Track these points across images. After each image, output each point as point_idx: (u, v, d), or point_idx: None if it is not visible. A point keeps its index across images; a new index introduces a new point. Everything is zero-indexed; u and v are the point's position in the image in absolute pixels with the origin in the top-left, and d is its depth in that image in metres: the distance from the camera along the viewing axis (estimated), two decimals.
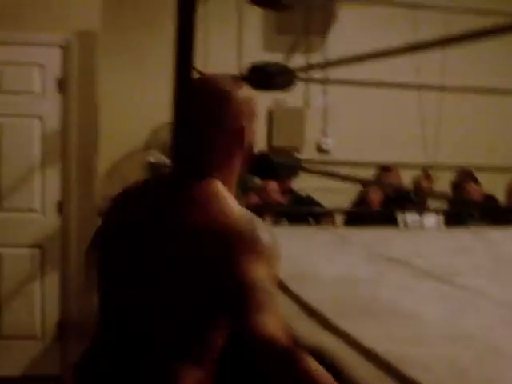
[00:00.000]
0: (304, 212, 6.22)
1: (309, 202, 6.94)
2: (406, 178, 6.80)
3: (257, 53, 7.30)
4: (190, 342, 1.75)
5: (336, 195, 6.50)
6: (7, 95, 5.09)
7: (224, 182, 1.86)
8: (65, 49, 5.10)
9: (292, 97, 6.97)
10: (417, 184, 6.69)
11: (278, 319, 1.60)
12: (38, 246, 5.09)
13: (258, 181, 6.69)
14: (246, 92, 1.97)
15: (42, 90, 5.13)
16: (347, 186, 5.88)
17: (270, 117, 7.66)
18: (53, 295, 5.06)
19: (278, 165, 3.33)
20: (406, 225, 6.23)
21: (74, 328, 4.83)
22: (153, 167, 7.21)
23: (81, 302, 4.92)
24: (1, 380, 4.84)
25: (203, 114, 1.87)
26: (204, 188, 1.81)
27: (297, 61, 7.01)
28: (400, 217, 6.31)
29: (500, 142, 7.74)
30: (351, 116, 7.59)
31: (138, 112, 7.14)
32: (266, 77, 3.27)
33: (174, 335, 1.75)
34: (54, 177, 5.09)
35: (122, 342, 1.84)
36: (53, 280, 5.06)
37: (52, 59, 5.10)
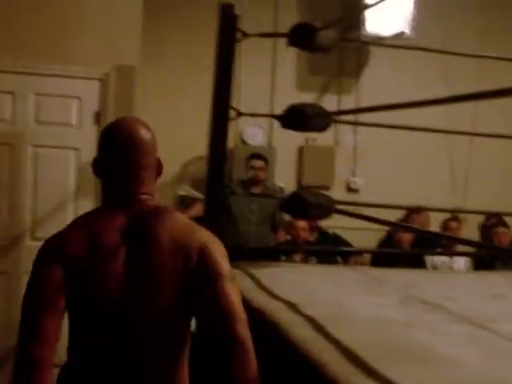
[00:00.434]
0: (333, 251, 6.25)
1: (336, 240, 6.97)
2: (435, 220, 6.82)
3: (289, 92, 7.39)
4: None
5: (363, 233, 6.53)
6: (44, 126, 5.17)
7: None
8: (103, 82, 5.18)
9: (322, 135, 7.01)
10: (445, 226, 6.70)
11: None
12: None
13: (286, 216, 6.73)
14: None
15: (79, 122, 5.21)
16: (375, 225, 5.92)
17: (301, 155, 7.71)
18: None
19: (310, 204, 3.36)
20: (434, 266, 6.23)
21: None
22: (183, 200, 7.28)
23: None
24: None
25: (152, 155, 2.41)
26: (161, 207, 2.37)
27: (329, 101, 7.13)
28: (428, 258, 6.31)
29: None
30: (381, 156, 7.64)
31: (170, 145, 7.21)
32: (303, 118, 3.32)
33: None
34: (87, 207, 5.07)
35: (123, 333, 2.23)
36: None
37: (90, 92, 5.18)
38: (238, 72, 6.41)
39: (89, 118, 5.19)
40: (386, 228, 6.88)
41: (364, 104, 7.29)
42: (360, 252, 6.78)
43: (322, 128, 3.45)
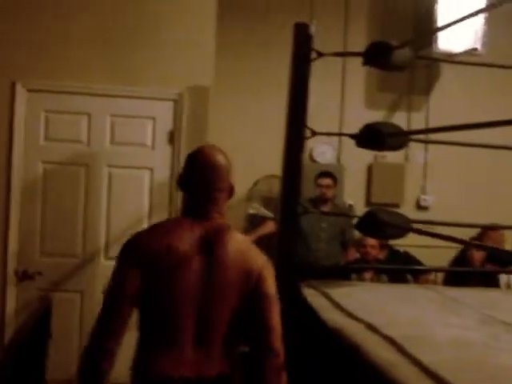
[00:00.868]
0: (405, 270, 6.21)
1: (406, 258, 6.94)
2: (510, 238, 6.73)
3: (358, 110, 7.40)
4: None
5: (433, 251, 6.48)
6: (119, 146, 5.27)
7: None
8: (176, 102, 5.26)
9: (392, 152, 7.01)
10: None
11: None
12: None
13: (356, 234, 6.73)
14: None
15: (153, 142, 5.29)
16: (445, 243, 5.86)
17: (370, 172, 7.69)
18: None
19: (386, 224, 3.36)
20: (508, 285, 6.16)
21: None
22: (252, 219, 7.31)
23: None
24: None
25: (227, 181, 2.91)
26: (228, 226, 2.84)
27: (398, 118, 7.12)
28: (503, 277, 6.24)
29: None
30: (452, 173, 7.59)
31: (240, 164, 7.26)
32: (379, 137, 3.32)
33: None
34: None
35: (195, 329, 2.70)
36: None
37: (164, 112, 5.26)
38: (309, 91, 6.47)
39: (163, 138, 5.26)
40: (457, 246, 6.83)
41: (434, 121, 7.26)
42: (431, 270, 6.73)
43: (397, 147, 3.45)
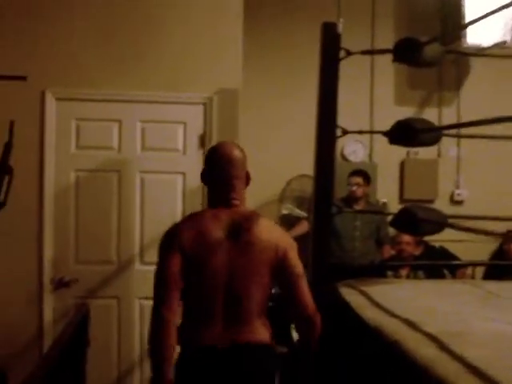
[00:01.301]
0: (441, 265, 6.16)
1: (443, 253, 6.88)
2: None
3: (388, 107, 7.37)
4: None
5: (469, 246, 6.42)
6: (151, 152, 5.27)
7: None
8: (206, 106, 5.25)
9: (424, 148, 6.96)
10: None
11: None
12: None
13: (391, 231, 6.69)
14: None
15: (184, 147, 5.29)
16: (482, 237, 5.81)
17: (402, 169, 7.65)
18: None
19: (421, 220, 3.33)
20: None
21: None
22: (286, 219, 7.30)
23: None
24: None
25: (243, 170, 3.30)
26: (254, 212, 3.30)
27: (429, 115, 7.06)
28: None
29: None
30: (485, 166, 7.54)
31: (272, 164, 7.27)
32: (412, 133, 3.29)
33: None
34: None
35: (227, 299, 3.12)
36: None
37: (194, 117, 5.26)
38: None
39: (194, 142, 5.26)
40: (494, 240, 6.77)
41: (465, 116, 7.20)
42: (467, 265, 6.66)
43: (430, 143, 3.42)
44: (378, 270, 5.53)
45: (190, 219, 3.27)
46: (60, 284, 5.18)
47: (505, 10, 5.92)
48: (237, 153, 3.29)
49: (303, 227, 6.61)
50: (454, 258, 6.59)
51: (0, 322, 5.06)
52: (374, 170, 7.40)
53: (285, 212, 7.35)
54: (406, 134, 3.33)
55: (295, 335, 4.96)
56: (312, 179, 3.79)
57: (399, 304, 3.05)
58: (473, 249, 6.43)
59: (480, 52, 6.82)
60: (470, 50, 6.84)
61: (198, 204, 5.15)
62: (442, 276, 6.09)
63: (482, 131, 3.93)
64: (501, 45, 6.79)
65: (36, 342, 5.11)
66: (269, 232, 3.18)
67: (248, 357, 3.14)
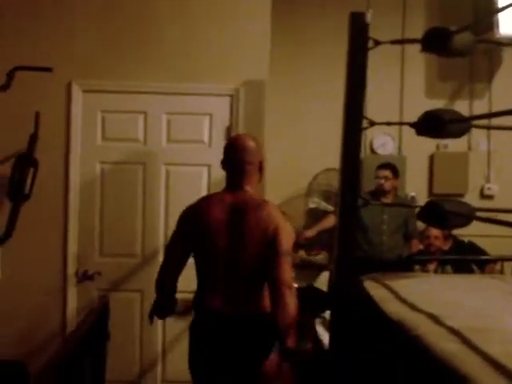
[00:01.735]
0: (468, 259, 6.07)
1: (471, 248, 6.79)
2: None
3: (418, 99, 7.29)
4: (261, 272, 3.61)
5: (499, 241, 6.33)
6: (176, 144, 5.25)
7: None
8: (232, 98, 5.21)
9: (454, 141, 6.88)
10: None
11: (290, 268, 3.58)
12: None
13: (419, 225, 6.62)
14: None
15: (210, 139, 5.25)
16: (510, 232, 5.71)
17: (432, 163, 7.56)
18: None
19: (449, 212, 3.26)
20: None
21: None
22: (313, 213, 7.26)
23: None
24: None
25: (255, 157, 3.81)
26: (262, 200, 3.81)
27: (460, 107, 6.97)
28: None
29: None
30: None
31: (299, 158, 7.23)
32: (439, 124, 3.22)
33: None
34: None
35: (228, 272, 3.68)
36: None
37: (220, 108, 5.22)
38: (368, 80, 6.36)
39: (220, 134, 5.22)
40: None
41: (497, 108, 7.05)
42: (496, 260, 6.57)
43: (459, 134, 3.33)
44: (406, 264, 5.45)
45: (200, 201, 3.89)
46: (84, 277, 5.18)
47: None
48: (250, 142, 3.83)
49: (330, 221, 6.55)
50: (483, 252, 6.50)
51: (23, 314, 5.07)
52: (403, 164, 7.31)
53: (312, 206, 7.30)
54: (433, 124, 3.26)
55: (320, 330, 4.92)
56: (338, 173, 3.74)
57: (423, 298, 2.99)
58: (502, 244, 6.34)
59: None
60: (503, 41, 6.72)
61: None
62: (470, 271, 6.01)
63: None
64: None
65: (59, 335, 5.13)
66: (266, 216, 3.64)
67: (245, 323, 3.67)
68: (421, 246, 6.61)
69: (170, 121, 5.24)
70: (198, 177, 5.24)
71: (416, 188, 7.46)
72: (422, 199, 7.06)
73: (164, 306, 3.89)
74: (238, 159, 3.78)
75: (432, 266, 6.03)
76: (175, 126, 5.23)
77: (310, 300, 5.25)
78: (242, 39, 5.17)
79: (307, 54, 7.35)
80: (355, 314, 3.23)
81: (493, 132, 7.36)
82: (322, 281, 5.87)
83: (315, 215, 7.17)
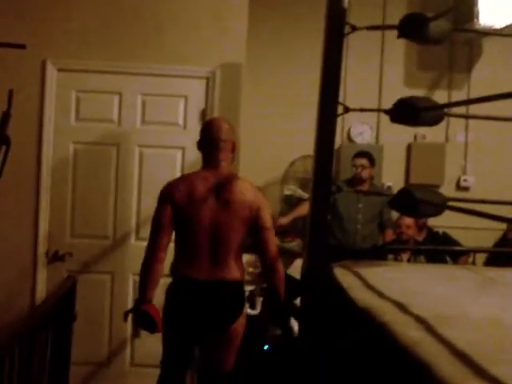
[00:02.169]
0: (441, 250, 6.07)
1: (446, 239, 6.79)
2: None
3: (397, 88, 7.27)
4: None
5: (473, 233, 6.34)
6: (151, 126, 5.22)
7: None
8: (208, 80, 5.16)
9: (432, 132, 6.87)
10: None
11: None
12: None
13: (394, 215, 6.61)
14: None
15: (185, 121, 5.22)
16: (486, 224, 5.71)
17: (409, 153, 7.56)
18: None
19: (420, 201, 3.24)
20: None
21: None
22: (288, 200, 7.23)
23: None
24: None
25: (229, 136, 4.08)
26: (235, 175, 4.13)
27: (439, 97, 6.95)
28: None
29: None
30: (493, 153, 7.44)
31: (276, 145, 7.20)
32: (414, 112, 3.20)
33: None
34: None
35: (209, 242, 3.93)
36: None
37: (196, 91, 5.18)
38: (346, 69, 6.35)
39: (194, 116, 5.18)
40: (498, 227, 6.67)
41: None
42: (468, 251, 6.57)
43: (433, 122, 3.31)
44: (379, 253, 5.44)
45: (182, 179, 4.12)
46: (54, 257, 5.13)
47: None
48: (225, 123, 4.13)
49: (305, 208, 6.49)
50: (457, 244, 6.50)
51: None
52: (380, 153, 7.30)
53: (287, 193, 7.27)
54: (407, 111, 3.23)
55: (294, 323, 4.90)
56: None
57: (392, 286, 2.97)
58: (476, 236, 6.35)
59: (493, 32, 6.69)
60: (481, 30, 6.70)
61: None
62: (443, 262, 6.01)
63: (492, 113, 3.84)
64: None
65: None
66: (247, 192, 3.96)
67: (223, 289, 3.97)
68: (394, 237, 6.61)
69: (145, 102, 5.20)
70: (172, 159, 5.20)
71: (393, 178, 7.45)
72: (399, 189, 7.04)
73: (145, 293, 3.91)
74: (213, 137, 4.03)
75: (405, 256, 6.02)
76: (150, 108, 5.19)
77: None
78: (219, 22, 5.13)
79: (286, 38, 7.31)
80: (324, 300, 3.21)
81: (470, 124, 7.37)
82: (296, 268, 5.84)
83: (290, 202, 7.15)
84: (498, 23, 6.65)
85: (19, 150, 4.84)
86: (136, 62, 5.11)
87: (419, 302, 2.57)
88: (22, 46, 4.82)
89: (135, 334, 4.92)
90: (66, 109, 5.15)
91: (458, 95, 7.40)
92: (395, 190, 6.98)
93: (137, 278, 5.02)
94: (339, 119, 3.61)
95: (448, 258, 6.25)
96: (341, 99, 3.50)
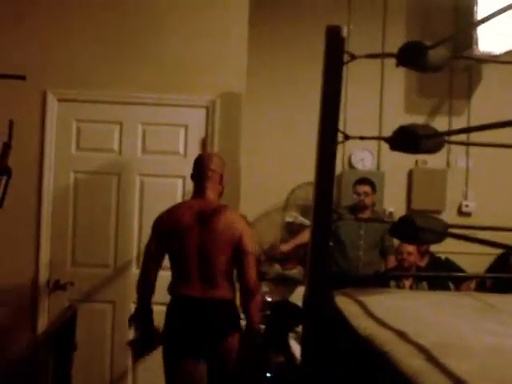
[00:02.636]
0: (443, 276, 6.05)
1: (448, 265, 6.78)
2: None
3: (398, 115, 7.29)
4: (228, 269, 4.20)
5: (476, 258, 6.33)
6: (151, 155, 5.24)
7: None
8: (209, 109, 5.18)
9: (433, 158, 6.87)
10: None
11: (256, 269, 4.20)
12: None
13: (396, 241, 6.59)
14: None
15: (186, 150, 5.24)
16: (489, 250, 5.69)
17: (410, 179, 7.56)
18: None
19: (421, 228, 3.23)
20: None
21: None
22: (290, 227, 7.22)
23: None
24: None
25: (218, 168, 4.32)
26: (223, 205, 4.30)
27: (439, 123, 6.97)
28: None
29: None
30: (494, 178, 7.44)
31: (277, 172, 7.21)
32: (414, 139, 3.20)
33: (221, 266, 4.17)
34: None
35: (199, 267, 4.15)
36: None
37: (196, 120, 5.21)
38: (346, 95, 6.37)
39: (195, 145, 5.20)
40: (500, 252, 6.67)
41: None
42: (471, 277, 6.56)
43: (433, 150, 3.31)
44: (381, 280, 5.42)
45: (171, 209, 4.32)
46: (56, 286, 5.13)
47: None
48: (215, 156, 4.46)
49: (306, 235, 6.51)
50: (460, 270, 6.48)
51: None
52: (382, 179, 7.30)
53: (289, 220, 7.27)
54: (407, 139, 3.23)
55: (293, 343, 4.89)
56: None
57: (394, 314, 2.96)
58: (480, 262, 6.34)
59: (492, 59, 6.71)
60: (480, 57, 6.72)
61: None
62: (446, 288, 5.98)
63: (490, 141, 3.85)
64: None
65: None
66: (230, 220, 4.18)
67: (212, 307, 4.16)
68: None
69: (146, 131, 5.21)
70: (173, 188, 5.21)
71: (394, 204, 7.44)
72: (401, 215, 7.03)
73: (146, 306, 4.27)
74: (202, 167, 4.31)
75: (407, 283, 6.00)
76: (151, 137, 5.21)
77: (285, 314, 5.22)
78: (219, 51, 5.16)
79: (287, 67, 7.33)
80: (326, 328, 3.20)
81: (471, 150, 7.37)
82: (298, 295, 5.83)
83: (292, 229, 7.14)
84: (497, 49, 6.67)
85: (20, 180, 4.87)
86: (136, 91, 5.13)
87: (420, 331, 2.56)
88: (23, 78, 4.85)
89: (135, 356, 4.93)
90: (66, 138, 5.17)
91: (459, 121, 7.42)
92: (397, 216, 7.00)
93: None
94: (340, 146, 3.62)
95: (451, 284, 6.23)
96: (341, 126, 3.50)
